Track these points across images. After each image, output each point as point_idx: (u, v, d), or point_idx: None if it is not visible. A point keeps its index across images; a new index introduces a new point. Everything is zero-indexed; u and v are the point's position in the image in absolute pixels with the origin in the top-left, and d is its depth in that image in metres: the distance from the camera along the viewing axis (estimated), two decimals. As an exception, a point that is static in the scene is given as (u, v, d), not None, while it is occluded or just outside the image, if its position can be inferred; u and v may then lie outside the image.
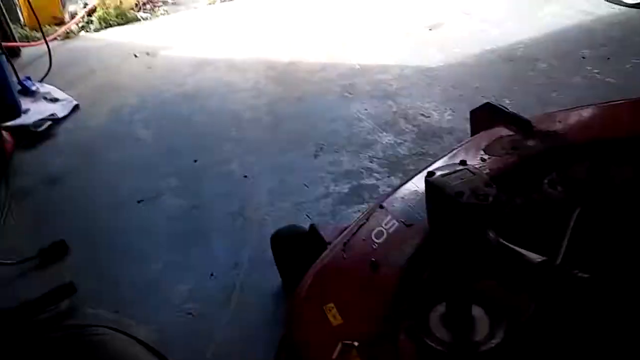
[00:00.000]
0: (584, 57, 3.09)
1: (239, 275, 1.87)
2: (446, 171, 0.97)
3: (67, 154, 2.91)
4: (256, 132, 2.90)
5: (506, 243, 0.89)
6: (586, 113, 1.94)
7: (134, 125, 3.12)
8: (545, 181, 1.62)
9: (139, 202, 2.39)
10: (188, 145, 2.83)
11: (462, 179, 0.95)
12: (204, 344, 1.60)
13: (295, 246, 1.64)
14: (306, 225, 1.73)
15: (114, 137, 3.03)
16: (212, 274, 1.89)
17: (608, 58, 3.04)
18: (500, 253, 0.88)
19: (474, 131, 2.16)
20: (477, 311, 1.14)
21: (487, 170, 1.67)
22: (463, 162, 0.99)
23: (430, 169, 1.78)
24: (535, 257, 0.83)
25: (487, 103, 2.05)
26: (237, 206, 2.27)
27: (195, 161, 2.67)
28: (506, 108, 2.05)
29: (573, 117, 1.91)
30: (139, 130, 3.07)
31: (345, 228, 1.59)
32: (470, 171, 0.96)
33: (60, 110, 3.28)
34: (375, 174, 2.31)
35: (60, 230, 2.18)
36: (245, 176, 2.49)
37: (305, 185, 2.32)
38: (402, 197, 1.67)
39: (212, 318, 1.71)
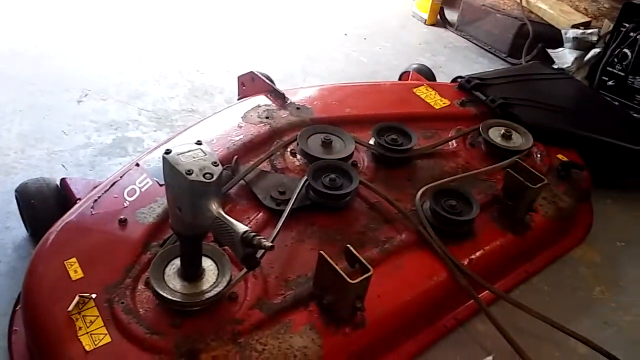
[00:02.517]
0: (346, 34, 3.53)
1: (-24, 225, 1.75)
2: (182, 150, 1.11)
3: None
4: (13, 65, 2.61)
5: (223, 215, 1.08)
6: (335, 91, 2.28)
7: None
8: (288, 150, 1.90)
9: None
10: None
11: (194, 157, 1.10)
12: None
13: (43, 200, 1.61)
14: (58, 178, 1.70)
15: None
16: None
17: (364, 38, 3.52)
18: (217, 223, 1.07)
19: (241, 94, 2.35)
20: (208, 263, 1.35)
21: (242, 136, 1.88)
22: (199, 142, 1.14)
23: (186, 133, 1.92)
24: (241, 228, 1.04)
25: (251, 72, 2.24)
26: (-19, 149, 2.07)
27: None
28: (267, 78, 2.28)
29: (322, 94, 2.23)
30: None
31: (99, 184, 1.64)
32: (202, 151, 1.12)
33: None
34: (142, 127, 2.33)
35: None
36: (-7, 115, 2.26)
37: (64, 132, 2.22)
38: (159, 157, 1.77)
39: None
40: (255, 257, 1.06)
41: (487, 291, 1.65)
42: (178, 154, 1.09)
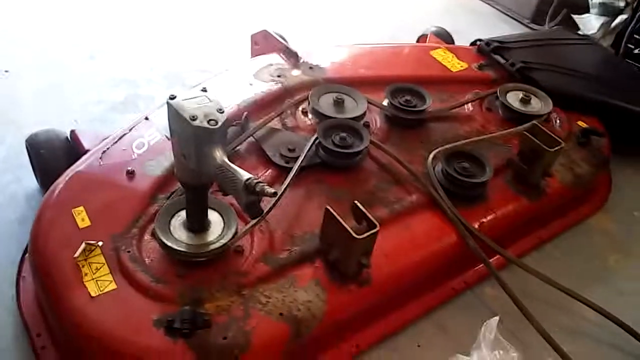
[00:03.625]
0: None
1: (-10, 175, 1.77)
2: (187, 96, 1.08)
3: None
4: (24, 20, 2.60)
5: (227, 162, 1.06)
6: (350, 51, 2.23)
7: None
8: (300, 109, 1.87)
9: None
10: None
11: (199, 104, 1.07)
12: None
13: (52, 151, 1.62)
14: (68, 130, 1.70)
15: None
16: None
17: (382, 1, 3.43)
18: (221, 170, 1.05)
19: (254, 53, 2.31)
20: (214, 216, 1.34)
21: (253, 94, 1.85)
22: (204, 90, 1.11)
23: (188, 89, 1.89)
24: (244, 175, 1.02)
25: (264, 30, 2.20)
26: (-6, 102, 2.08)
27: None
28: (280, 37, 2.23)
29: (336, 54, 2.18)
30: None
31: (108, 136, 1.63)
32: (207, 98, 1.09)
33: None
34: (153, 84, 2.31)
35: None
36: (7, 71, 2.25)
37: (76, 88, 2.21)
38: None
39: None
40: (259, 205, 1.05)
41: (497, 256, 1.62)
42: (183, 100, 1.06)
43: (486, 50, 2.29)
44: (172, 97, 1.07)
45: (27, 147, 1.66)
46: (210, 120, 1.04)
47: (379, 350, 1.42)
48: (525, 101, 1.99)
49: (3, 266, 1.48)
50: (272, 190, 0.98)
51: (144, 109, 2.15)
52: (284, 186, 1.44)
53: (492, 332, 1.20)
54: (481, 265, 1.62)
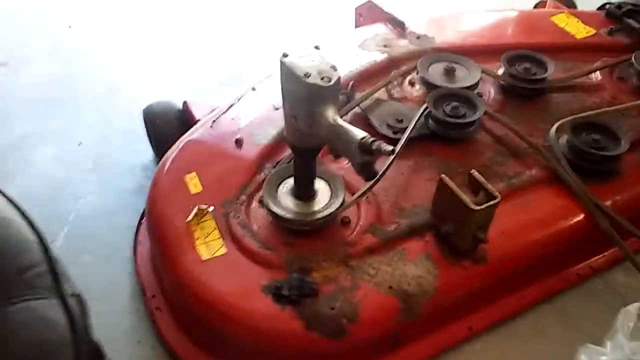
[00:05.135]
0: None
1: (109, 146, 1.86)
2: (300, 53, 1.04)
3: None
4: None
5: (340, 121, 1.01)
6: (458, 19, 2.10)
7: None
8: (407, 79, 1.78)
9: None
10: (62, 8, 2.61)
11: (312, 60, 1.03)
12: (67, 207, 1.62)
13: (167, 121, 1.67)
14: (181, 102, 1.75)
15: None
16: (80, 143, 1.87)
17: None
18: (334, 129, 1.00)
19: (358, 26, 2.25)
20: (322, 185, 1.30)
21: (358, 64, 1.79)
22: (317, 47, 1.07)
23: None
24: (359, 134, 0.96)
25: (369, 1, 2.12)
26: (113, 78, 2.20)
27: (70, 27, 2.50)
28: (384, 8, 2.14)
29: (444, 23, 2.06)
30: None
31: (218, 107, 1.65)
32: (320, 55, 1.05)
33: None
34: (258, 59, 2.31)
35: None
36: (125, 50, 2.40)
37: (187, 61, 2.28)
38: (276, 83, 1.74)
39: (77, 183, 1.72)
40: (374, 166, 0.98)
41: (631, 240, 1.43)
42: (296, 57, 1.02)
43: (617, 13, 2.04)
44: (285, 55, 1.04)
45: (144, 117, 1.73)
46: (324, 77, 0.99)
47: (494, 336, 1.32)
48: (666, 69, 1.75)
49: (122, 231, 1.55)
50: (389, 147, 0.92)
51: (250, 83, 2.17)
52: (392, 157, 1.37)
53: (632, 320, 1.06)
54: (612, 250, 1.45)
